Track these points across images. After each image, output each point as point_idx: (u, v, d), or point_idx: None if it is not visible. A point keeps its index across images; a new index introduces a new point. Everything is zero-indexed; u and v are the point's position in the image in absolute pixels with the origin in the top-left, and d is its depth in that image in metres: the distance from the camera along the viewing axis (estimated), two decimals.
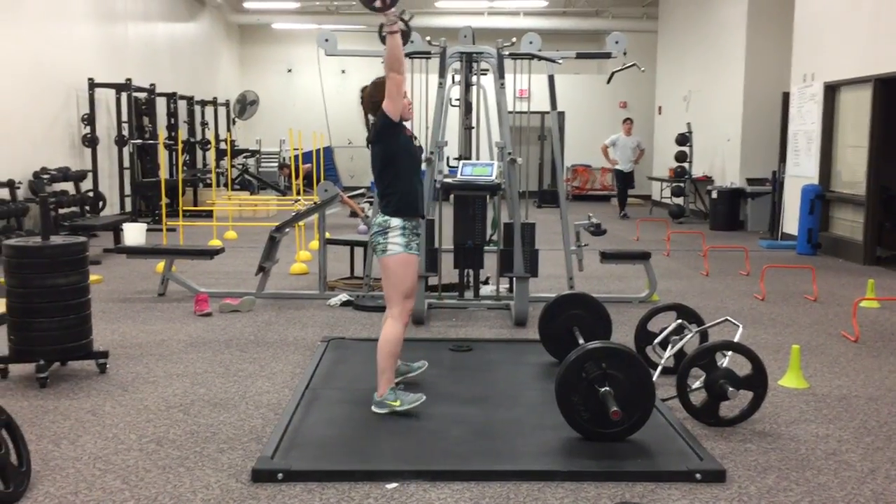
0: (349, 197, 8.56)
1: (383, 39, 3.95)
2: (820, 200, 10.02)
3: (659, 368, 4.47)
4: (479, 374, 4.75)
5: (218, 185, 14.80)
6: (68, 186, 10.46)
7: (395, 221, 4.01)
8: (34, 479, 3.23)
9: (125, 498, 3.11)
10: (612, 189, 18.70)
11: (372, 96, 4.09)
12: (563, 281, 7.14)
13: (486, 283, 7.13)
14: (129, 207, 12.11)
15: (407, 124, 4.16)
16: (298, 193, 11.63)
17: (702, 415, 3.96)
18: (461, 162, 6.67)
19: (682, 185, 14.19)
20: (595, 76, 18.39)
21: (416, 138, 4.20)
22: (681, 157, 14.19)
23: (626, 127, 14.48)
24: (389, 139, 4.04)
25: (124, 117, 11.86)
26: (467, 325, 6.11)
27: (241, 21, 18.98)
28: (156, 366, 4.91)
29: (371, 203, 8.42)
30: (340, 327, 5.97)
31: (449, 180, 6.38)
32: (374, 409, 4.03)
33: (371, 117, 4.13)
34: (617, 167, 14.53)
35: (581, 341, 4.58)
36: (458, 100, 7.39)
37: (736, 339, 4.22)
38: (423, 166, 6.21)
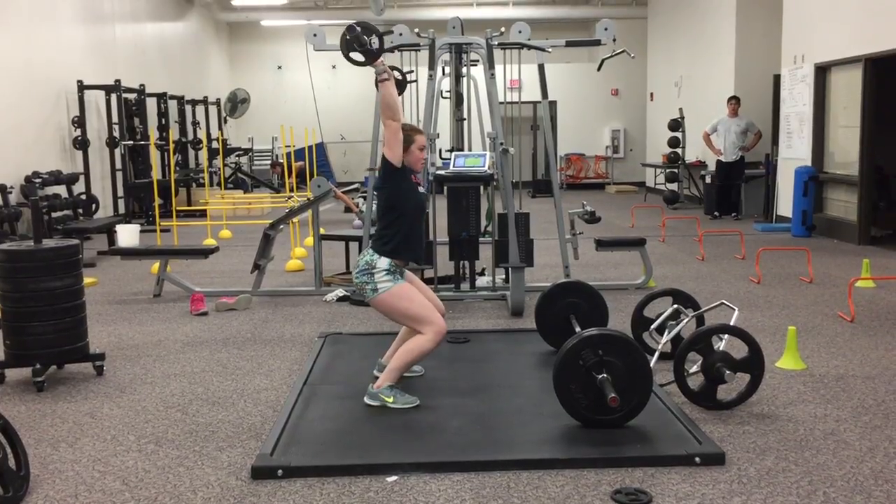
0: (343, 192, 8.55)
1: (378, 86, 3.97)
2: (813, 182, 10.03)
3: (656, 354, 4.46)
4: (476, 365, 4.75)
5: (211, 185, 14.79)
6: (60, 190, 10.42)
7: (383, 263, 3.94)
8: (33, 482, 3.23)
9: (125, 499, 3.10)
10: (606, 177, 18.75)
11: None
12: (558, 270, 7.14)
13: (481, 274, 7.13)
14: (122, 209, 12.08)
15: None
16: (292, 190, 11.61)
17: (700, 399, 3.96)
18: (453, 154, 6.65)
19: (675, 170, 14.18)
20: (586, 64, 18.37)
21: (420, 185, 4.22)
22: (674, 142, 14.18)
23: (731, 107, 11.93)
24: (392, 185, 4.03)
25: (115, 119, 11.82)
26: (464, 317, 6.11)
27: (229, 19, 18.91)
28: (153, 366, 4.91)
29: (365, 198, 8.41)
30: (337, 322, 5.96)
31: (442, 172, 6.37)
32: (366, 399, 4.02)
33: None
34: (719, 158, 12.08)
35: (578, 329, 4.59)
36: (448, 91, 7.37)
37: (732, 323, 4.22)
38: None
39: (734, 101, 12.02)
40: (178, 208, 11.37)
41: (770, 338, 5.21)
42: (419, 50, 6.78)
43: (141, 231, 9.51)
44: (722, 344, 4.07)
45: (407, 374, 4.38)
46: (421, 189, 4.20)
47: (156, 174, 10.15)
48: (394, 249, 3.99)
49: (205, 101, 16.20)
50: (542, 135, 17.03)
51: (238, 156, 17.16)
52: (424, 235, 4.23)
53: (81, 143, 11.10)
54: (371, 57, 3.99)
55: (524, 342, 5.20)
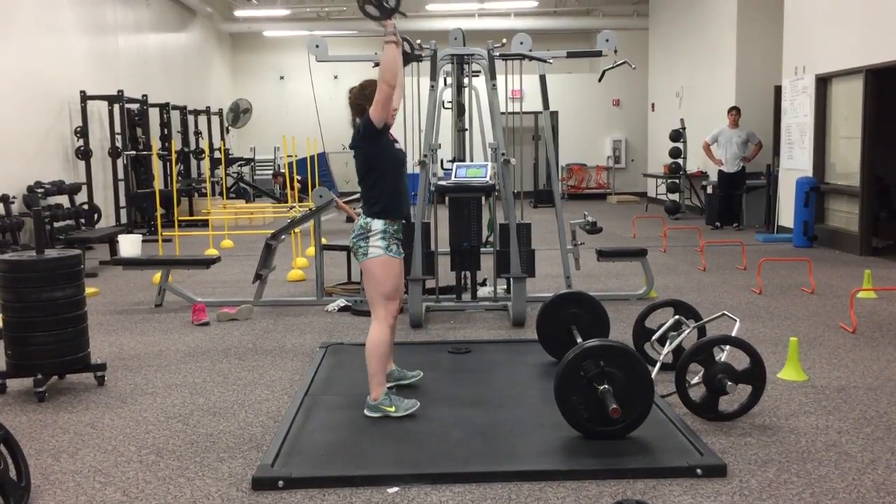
0: (345, 202, 8.55)
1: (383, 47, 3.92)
2: (815, 192, 10.03)
3: (658, 365, 4.45)
4: (478, 376, 4.75)
5: (213, 194, 14.81)
6: (63, 199, 10.45)
7: (377, 225, 3.99)
8: (34, 493, 3.23)
9: None
10: (608, 187, 18.77)
11: (357, 98, 4.07)
12: (560, 280, 7.14)
13: (483, 284, 7.13)
14: (124, 219, 12.09)
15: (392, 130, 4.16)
16: (293, 200, 11.63)
17: (701, 410, 3.96)
18: (455, 164, 6.66)
19: (676, 180, 14.19)
20: (587, 75, 18.42)
21: (397, 141, 4.17)
22: (675, 153, 14.20)
23: (731, 118, 11.98)
24: (371, 143, 4.02)
25: (117, 129, 11.85)
26: (466, 327, 6.11)
27: (232, 29, 18.99)
28: (154, 377, 4.91)
29: None
30: (339, 333, 5.96)
31: (443, 183, 6.38)
32: (366, 412, 4.02)
33: (357, 119, 4.11)
34: (720, 168, 12.13)
35: (579, 340, 4.58)
36: (450, 102, 7.39)
37: (733, 334, 4.22)
38: (417, 169, 6.23)
39: (735, 111, 12.04)
40: (180, 218, 11.36)
41: (772, 349, 5.21)
42: (421, 61, 6.80)
43: (143, 241, 9.50)
44: (723, 355, 4.07)
45: (406, 382, 4.41)
46: (398, 145, 4.16)
47: (158, 184, 10.17)
48: (383, 209, 4.00)
49: (207, 112, 16.25)
50: (543, 145, 17.08)
51: (240, 166, 17.20)
52: (405, 190, 4.15)
53: (84, 154, 11.13)
54: (385, 13, 3.91)
55: (525, 353, 5.20)
